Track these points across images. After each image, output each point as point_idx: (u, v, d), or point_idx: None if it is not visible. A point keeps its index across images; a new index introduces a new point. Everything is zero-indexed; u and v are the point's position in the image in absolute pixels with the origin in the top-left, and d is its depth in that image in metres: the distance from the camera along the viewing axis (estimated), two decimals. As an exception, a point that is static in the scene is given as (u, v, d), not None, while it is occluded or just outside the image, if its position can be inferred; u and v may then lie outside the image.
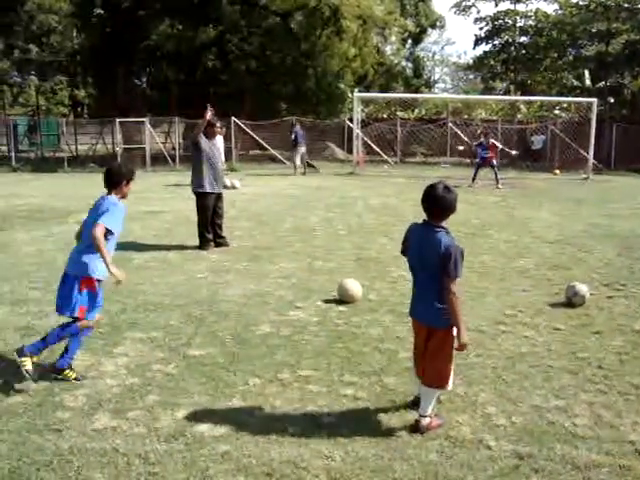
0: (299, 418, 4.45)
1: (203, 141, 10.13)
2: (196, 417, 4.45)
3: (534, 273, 8.82)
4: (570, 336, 6.25)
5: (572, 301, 7.26)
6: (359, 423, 4.37)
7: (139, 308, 6.92)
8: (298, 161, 25.44)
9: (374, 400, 4.73)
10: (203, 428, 4.29)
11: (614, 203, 17.38)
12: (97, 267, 4.90)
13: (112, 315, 6.62)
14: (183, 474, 3.77)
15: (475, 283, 8.12)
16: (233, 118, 28.68)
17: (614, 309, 7.20)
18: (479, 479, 3.74)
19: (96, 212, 4.97)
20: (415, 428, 4.26)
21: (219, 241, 10.47)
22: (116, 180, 5.11)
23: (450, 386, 4.44)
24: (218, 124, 10.61)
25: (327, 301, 7.29)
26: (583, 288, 7.31)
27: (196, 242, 10.30)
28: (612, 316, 6.94)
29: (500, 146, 22.62)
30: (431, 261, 4.12)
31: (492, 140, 22.16)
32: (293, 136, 25.65)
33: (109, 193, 5.11)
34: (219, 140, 11.40)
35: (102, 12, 33.36)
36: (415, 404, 4.48)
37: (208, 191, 10.18)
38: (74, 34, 39.07)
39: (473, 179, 21.32)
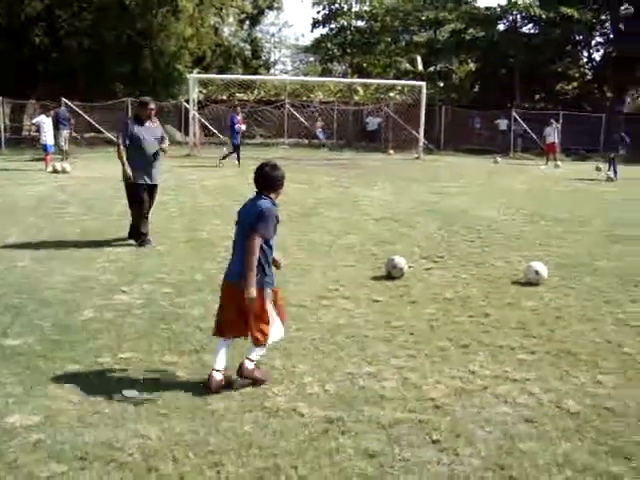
0: (117, 400, 4.41)
1: (135, 128, 9.05)
2: (7, 408, 4.27)
3: (359, 249, 9.20)
4: (387, 307, 6.62)
5: (391, 274, 7.68)
6: (177, 401, 4.39)
7: (-51, 300, 6.51)
8: (64, 144, 22.58)
9: (193, 378, 4.78)
10: (14, 419, 4.13)
11: (443, 182, 18.45)
12: None
13: None
14: (-12, 467, 3.63)
15: (301, 260, 8.35)
16: (64, 99, 27.31)
17: (430, 280, 7.69)
18: (290, 444, 3.90)
19: None
20: (239, 371, 4.56)
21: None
22: None
23: (279, 336, 4.74)
24: (152, 104, 9.37)
25: (153, 283, 7.22)
26: (401, 261, 7.73)
27: (9, 232, 9.73)
28: (428, 286, 7.41)
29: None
30: (250, 222, 4.45)
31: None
32: (54, 117, 22.12)
33: None
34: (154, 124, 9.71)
35: None
36: (229, 383, 4.61)
37: (139, 182, 9.10)
38: None
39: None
